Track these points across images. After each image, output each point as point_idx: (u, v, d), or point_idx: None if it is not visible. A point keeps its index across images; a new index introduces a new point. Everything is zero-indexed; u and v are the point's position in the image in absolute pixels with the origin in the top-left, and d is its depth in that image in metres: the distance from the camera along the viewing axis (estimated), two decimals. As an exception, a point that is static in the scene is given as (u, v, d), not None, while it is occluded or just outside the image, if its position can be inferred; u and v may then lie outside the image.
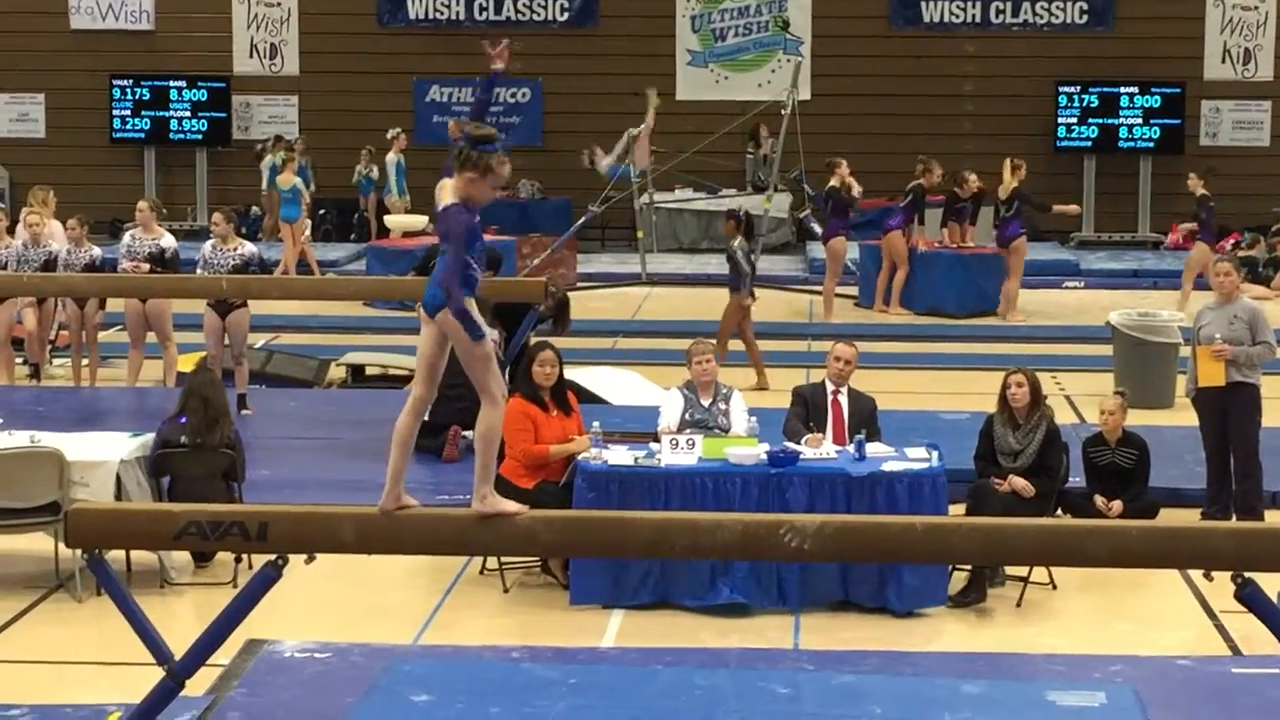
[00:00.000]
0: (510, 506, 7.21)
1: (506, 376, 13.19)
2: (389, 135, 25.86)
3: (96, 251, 16.32)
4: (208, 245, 15.52)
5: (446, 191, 7.00)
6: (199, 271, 15.39)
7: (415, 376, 7.21)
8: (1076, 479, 11.94)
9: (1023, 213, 21.74)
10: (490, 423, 7.05)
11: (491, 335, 13.72)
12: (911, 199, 21.97)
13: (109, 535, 7.77)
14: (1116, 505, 11.58)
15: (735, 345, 17.12)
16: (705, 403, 11.63)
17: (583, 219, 24.87)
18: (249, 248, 15.57)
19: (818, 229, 22.91)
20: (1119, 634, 10.45)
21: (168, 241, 16.01)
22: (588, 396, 14.36)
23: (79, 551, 7.68)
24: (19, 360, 16.97)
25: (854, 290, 22.91)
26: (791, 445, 11.05)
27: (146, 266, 15.62)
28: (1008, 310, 21.73)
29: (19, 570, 11.23)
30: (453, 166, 7.05)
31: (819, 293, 22.25)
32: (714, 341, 12.12)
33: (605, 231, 27.59)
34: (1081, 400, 16.19)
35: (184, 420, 11.21)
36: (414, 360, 14.43)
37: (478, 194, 6.99)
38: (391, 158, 25.88)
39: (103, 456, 10.93)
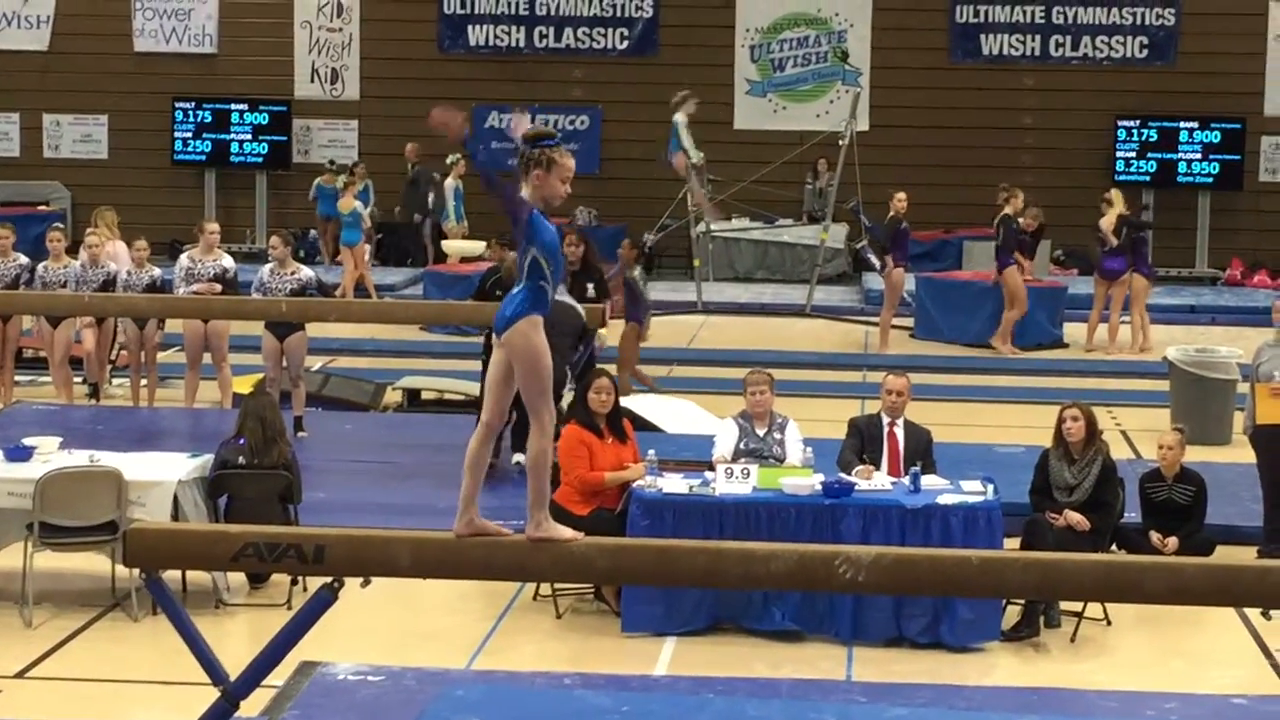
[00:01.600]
0: (565, 533, 7.21)
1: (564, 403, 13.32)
2: (448, 161, 25.94)
3: (157, 272, 16.44)
4: (266, 269, 15.60)
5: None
6: (254, 295, 15.47)
7: (484, 403, 7.22)
8: (1132, 514, 11.90)
9: (1129, 244, 21.31)
10: (539, 448, 7.05)
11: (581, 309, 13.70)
12: (1005, 231, 21.25)
13: (167, 555, 7.78)
14: (1172, 542, 11.53)
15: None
16: (760, 432, 11.63)
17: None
18: (306, 271, 15.65)
19: (874, 260, 22.88)
20: (1173, 671, 10.41)
21: (228, 263, 16.13)
22: (643, 424, 14.37)
23: (136, 571, 7.71)
24: (78, 380, 17.09)
25: (910, 321, 22.85)
26: (846, 476, 11.04)
27: (219, 288, 15.72)
28: (1140, 342, 21.29)
29: (76, 588, 11.30)
30: (518, 174, 7.07)
31: (874, 324, 22.21)
32: (769, 371, 12.06)
33: (661, 260, 27.61)
34: (1137, 435, 16.12)
35: (241, 441, 11.29)
36: (471, 385, 14.58)
37: (548, 190, 7.01)
38: (450, 184, 25.97)
39: (160, 477, 11.01)
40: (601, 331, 14.74)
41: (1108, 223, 21.27)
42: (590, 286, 15.01)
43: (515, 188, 6.97)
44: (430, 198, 26.93)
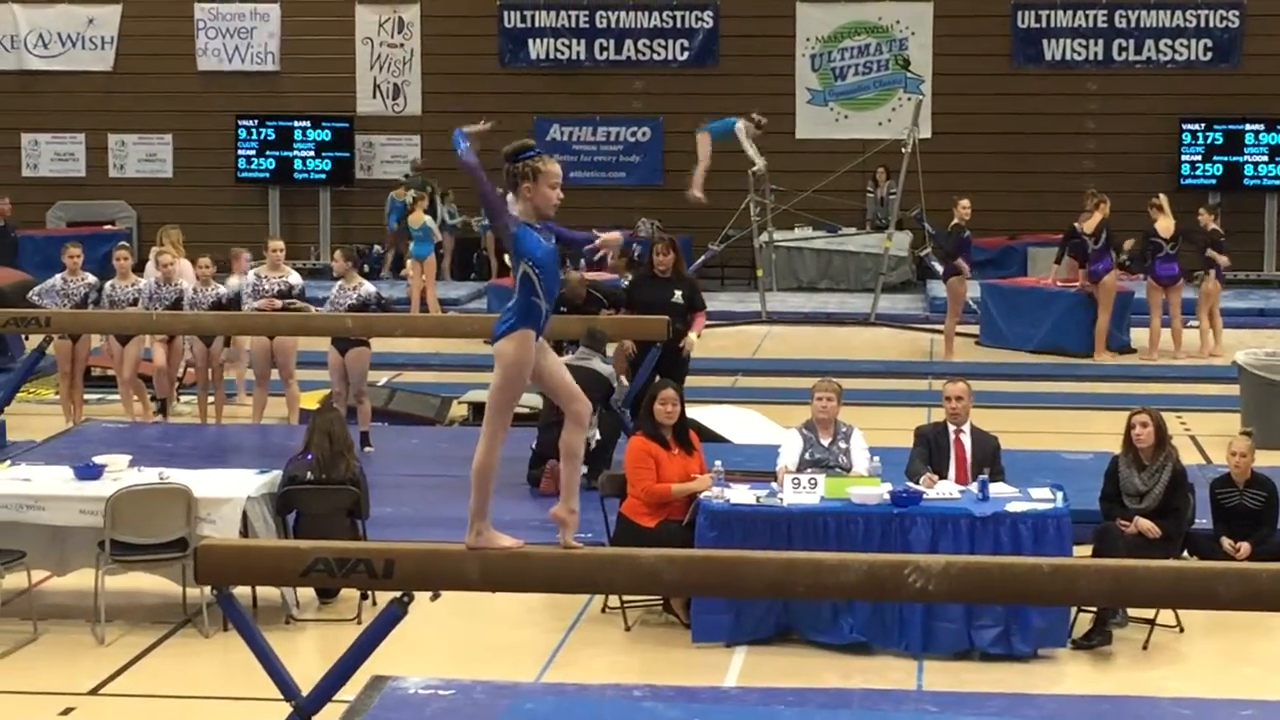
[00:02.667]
0: (504, 541, 7.24)
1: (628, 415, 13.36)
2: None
3: (223, 290, 16.52)
4: (336, 285, 15.74)
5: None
6: (327, 311, 15.60)
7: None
8: (1203, 520, 11.80)
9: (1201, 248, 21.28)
10: (485, 461, 7.15)
11: (608, 371, 13.89)
12: (1107, 237, 21.22)
13: (238, 571, 7.84)
14: (1244, 547, 11.43)
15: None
16: (825, 442, 11.59)
17: (703, 257, 24.92)
18: (368, 287, 15.71)
19: (938, 268, 22.82)
20: (1247, 678, 10.32)
21: (294, 279, 16.21)
22: (709, 435, 14.36)
23: (206, 587, 7.75)
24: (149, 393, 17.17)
25: (975, 329, 22.76)
26: (914, 485, 11.00)
27: (280, 304, 15.81)
28: (1209, 346, 21.26)
29: (147, 605, 11.36)
30: (506, 188, 7.16)
31: (939, 331, 22.13)
32: (838, 381, 12.03)
33: (725, 270, 27.61)
34: (1207, 440, 16.00)
35: (309, 457, 11.33)
36: (536, 398, 14.68)
37: (539, 201, 7.09)
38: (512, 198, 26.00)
39: (229, 493, 11.05)
40: (691, 337, 14.78)
41: (1165, 228, 21.18)
42: (678, 294, 15.01)
43: (492, 188, 7.03)
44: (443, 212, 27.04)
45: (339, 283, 15.71)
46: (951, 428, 11.68)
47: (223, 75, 29.30)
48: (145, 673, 10.33)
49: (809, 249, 27.67)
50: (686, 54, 28.81)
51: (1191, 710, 9.58)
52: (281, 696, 7.69)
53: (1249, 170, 27.77)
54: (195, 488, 10.97)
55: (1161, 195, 21.94)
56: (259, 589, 10.96)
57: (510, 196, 7.17)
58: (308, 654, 10.37)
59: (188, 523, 10.86)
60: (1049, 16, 28.22)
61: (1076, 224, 21.71)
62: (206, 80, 29.32)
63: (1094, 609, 10.63)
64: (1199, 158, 27.79)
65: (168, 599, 11.31)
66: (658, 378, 13.06)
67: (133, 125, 29.40)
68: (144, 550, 10.91)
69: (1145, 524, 11.10)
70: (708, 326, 15.60)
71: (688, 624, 10.82)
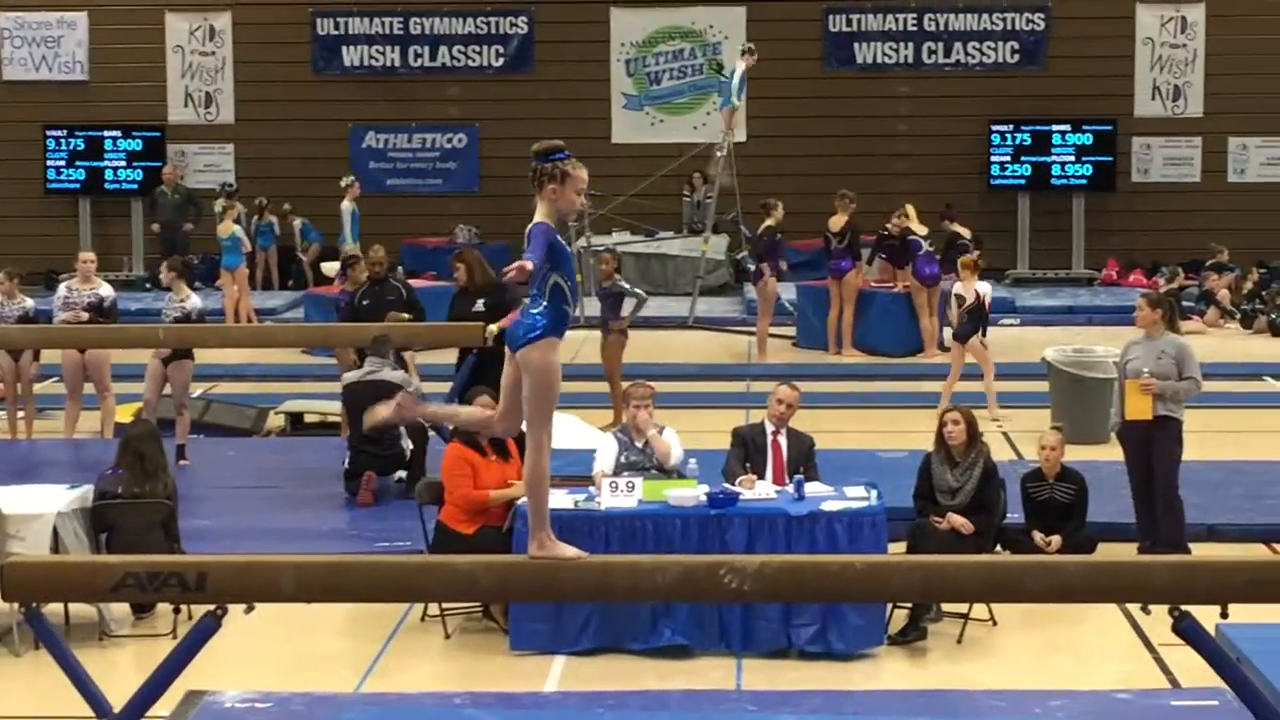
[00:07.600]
0: (568, 551, 7.25)
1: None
2: (342, 183, 25.68)
3: (29, 303, 16.23)
4: (167, 298, 15.61)
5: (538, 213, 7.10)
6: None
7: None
8: (1015, 515, 12.00)
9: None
10: (538, 468, 7.21)
11: (400, 378, 13.74)
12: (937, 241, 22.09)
13: (46, 588, 7.70)
14: (1055, 540, 11.66)
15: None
16: (640, 444, 11.64)
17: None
18: (194, 301, 15.48)
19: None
20: (1059, 669, 10.51)
21: (106, 291, 15.97)
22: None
23: (16, 605, 7.62)
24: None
25: (792, 330, 22.96)
26: (730, 486, 11.07)
27: (86, 316, 15.58)
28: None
29: (-44, 625, 11.14)
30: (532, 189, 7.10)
31: (755, 334, 22.28)
32: (649, 384, 12.09)
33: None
34: (1018, 436, 16.26)
35: (120, 471, 11.17)
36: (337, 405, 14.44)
37: (564, 203, 7.07)
38: (346, 205, 25.69)
39: (39, 509, 10.87)
40: (491, 327, 14.65)
41: (919, 228, 21.59)
42: (480, 303, 14.98)
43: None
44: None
45: (169, 295, 15.54)
46: (770, 428, 11.78)
47: (30, 85, 28.79)
48: (-45, 694, 10.15)
49: (627, 253, 27.70)
50: (502, 60, 28.77)
51: (1005, 701, 9.75)
52: (94, 715, 7.58)
53: (1056, 170, 28.21)
54: (4, 504, 10.79)
55: (907, 205, 22.14)
56: (73, 606, 10.80)
57: None
58: (125, 670, 10.22)
59: (-4, 540, 10.67)
60: (860, 20, 28.54)
61: (889, 226, 21.98)
62: (13, 90, 28.80)
63: (909, 605, 10.76)
64: (1008, 158, 28.21)
65: (-23, 618, 11.09)
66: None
67: (-61, 136, 28.83)
68: (-48, 569, 10.68)
69: (958, 520, 11.27)
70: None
71: (507, 630, 10.81)
